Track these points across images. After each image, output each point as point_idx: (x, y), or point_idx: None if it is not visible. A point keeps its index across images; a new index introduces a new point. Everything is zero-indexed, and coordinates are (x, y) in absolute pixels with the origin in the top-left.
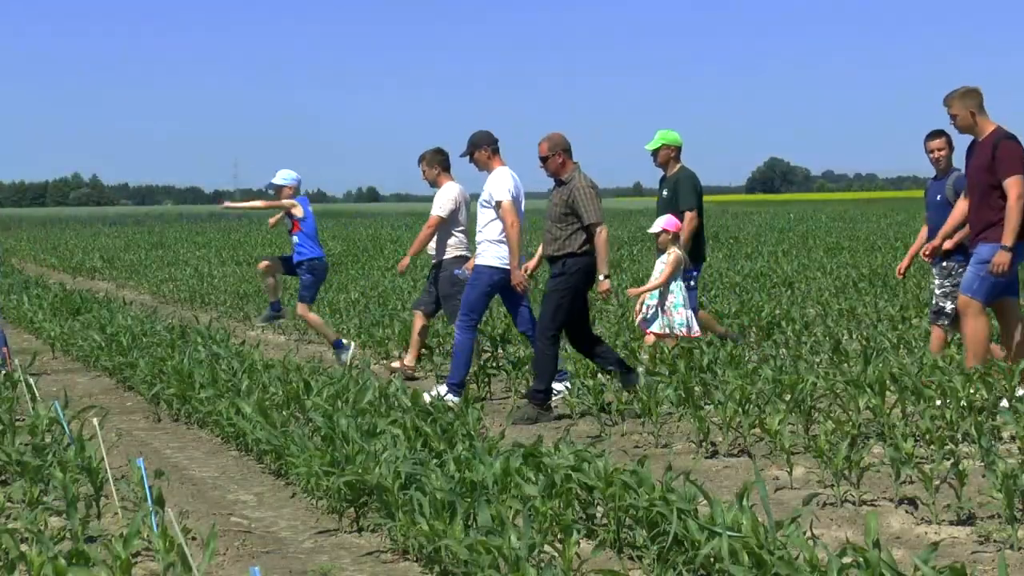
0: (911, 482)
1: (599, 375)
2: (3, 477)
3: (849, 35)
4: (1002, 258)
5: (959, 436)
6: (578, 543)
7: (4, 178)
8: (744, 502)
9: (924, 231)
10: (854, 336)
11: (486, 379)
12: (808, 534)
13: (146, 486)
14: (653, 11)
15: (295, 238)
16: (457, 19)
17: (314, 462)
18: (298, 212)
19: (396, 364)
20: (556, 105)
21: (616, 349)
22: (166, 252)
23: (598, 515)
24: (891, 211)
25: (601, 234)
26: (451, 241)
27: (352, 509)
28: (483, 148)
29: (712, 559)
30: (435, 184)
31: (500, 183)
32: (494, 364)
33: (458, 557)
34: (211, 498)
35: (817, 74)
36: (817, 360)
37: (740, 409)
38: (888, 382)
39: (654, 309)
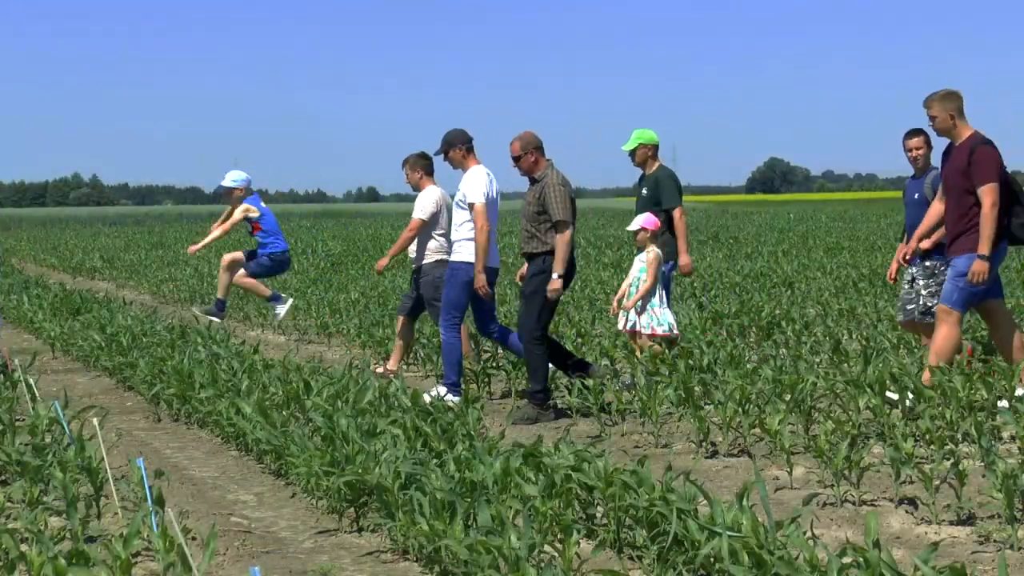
0: (911, 482)
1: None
2: (3, 477)
3: (849, 35)
4: (980, 267)
5: (959, 436)
6: (578, 543)
7: (4, 178)
8: (744, 502)
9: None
10: (854, 336)
11: (486, 379)
12: (808, 534)
13: (146, 486)
14: (653, 11)
15: (258, 238)
16: (457, 19)
17: (314, 462)
18: (254, 214)
19: (380, 369)
20: (556, 105)
21: (616, 350)
22: (166, 252)
23: (598, 515)
24: (891, 211)
25: (565, 234)
26: (431, 245)
27: (352, 509)
28: (457, 147)
29: (712, 559)
30: (417, 188)
31: (475, 184)
32: (494, 364)
33: (458, 557)
34: (211, 498)
35: (817, 74)
36: (817, 360)
37: (740, 409)
38: (888, 382)
39: (639, 309)
